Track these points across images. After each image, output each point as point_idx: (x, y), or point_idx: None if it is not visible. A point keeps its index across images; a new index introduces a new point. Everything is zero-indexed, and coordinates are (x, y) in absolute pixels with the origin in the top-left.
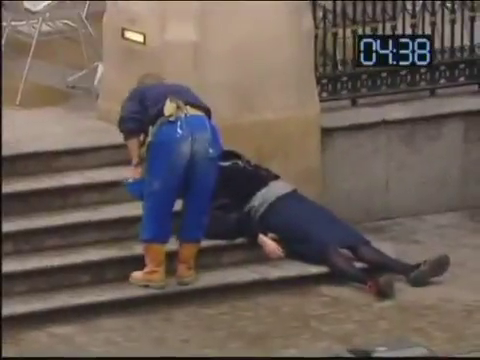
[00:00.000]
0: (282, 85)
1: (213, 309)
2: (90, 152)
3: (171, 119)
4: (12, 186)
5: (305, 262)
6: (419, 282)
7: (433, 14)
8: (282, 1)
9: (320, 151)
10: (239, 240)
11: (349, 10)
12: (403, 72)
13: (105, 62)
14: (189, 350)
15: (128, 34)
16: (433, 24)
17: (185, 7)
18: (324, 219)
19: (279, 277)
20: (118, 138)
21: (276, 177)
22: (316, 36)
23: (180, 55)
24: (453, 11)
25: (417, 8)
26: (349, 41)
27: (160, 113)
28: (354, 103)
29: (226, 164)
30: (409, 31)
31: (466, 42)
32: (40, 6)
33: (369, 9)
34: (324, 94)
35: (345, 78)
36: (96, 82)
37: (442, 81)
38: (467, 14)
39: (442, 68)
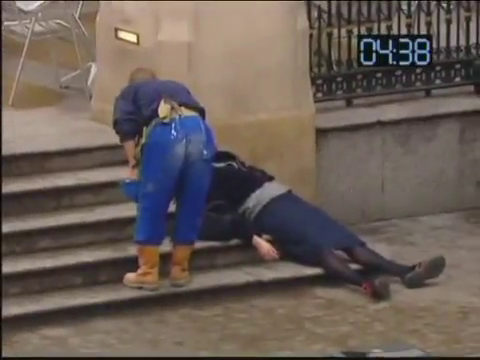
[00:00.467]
0: (277, 85)
1: (207, 311)
2: (83, 153)
3: (165, 121)
4: (5, 187)
5: (300, 264)
6: (414, 284)
7: (429, 14)
8: (277, 1)
9: (315, 152)
10: (233, 242)
11: (344, 10)
12: (398, 72)
13: (98, 62)
14: (183, 352)
15: (121, 34)
16: (429, 24)
17: (179, 7)
18: (319, 220)
19: (274, 279)
20: (112, 139)
21: (271, 178)
22: (311, 36)
23: (174, 55)
24: (449, 11)
25: (412, 8)
26: (344, 41)
27: (154, 114)
28: (349, 104)
29: (220, 165)
30: (404, 31)
31: (462, 42)
32: (33, 6)
33: (364, 9)
34: (319, 94)
35: (340, 78)
36: (89, 82)
37: (438, 81)
38: (463, 14)
39: (438, 68)
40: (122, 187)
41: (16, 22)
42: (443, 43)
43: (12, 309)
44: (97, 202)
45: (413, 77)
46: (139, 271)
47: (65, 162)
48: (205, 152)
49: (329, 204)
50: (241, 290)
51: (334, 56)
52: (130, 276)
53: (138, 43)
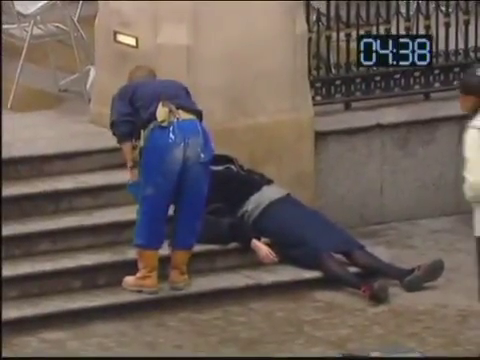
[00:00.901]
0: (275, 88)
1: (206, 314)
2: (83, 156)
3: (164, 124)
4: (4, 190)
5: (299, 267)
6: (413, 287)
7: (427, 17)
8: (276, 3)
9: (314, 155)
10: (232, 245)
11: (343, 13)
12: (397, 75)
13: (97, 65)
14: (182, 355)
15: (120, 37)
16: (427, 27)
17: (177, 10)
18: (318, 224)
19: (272, 282)
20: (111, 142)
21: (269, 181)
22: (310, 39)
23: (173, 58)
24: (447, 14)
25: (411, 11)
26: (343, 44)
27: (152, 117)
28: (348, 107)
29: (219, 168)
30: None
31: (460, 45)
32: (31, 9)
33: (363, 12)
34: (318, 98)
35: (339, 81)
36: (88, 86)
37: (437, 85)
38: (461, 17)
39: (437, 72)
40: (128, 188)
41: (15, 25)
42: (442, 46)
43: (11, 312)
44: (96, 205)
45: (412, 80)
46: (138, 274)
47: (64, 165)
48: (202, 155)
49: (328, 207)
50: (240, 293)
51: (333, 59)
52: (129, 279)
53: (137, 46)
